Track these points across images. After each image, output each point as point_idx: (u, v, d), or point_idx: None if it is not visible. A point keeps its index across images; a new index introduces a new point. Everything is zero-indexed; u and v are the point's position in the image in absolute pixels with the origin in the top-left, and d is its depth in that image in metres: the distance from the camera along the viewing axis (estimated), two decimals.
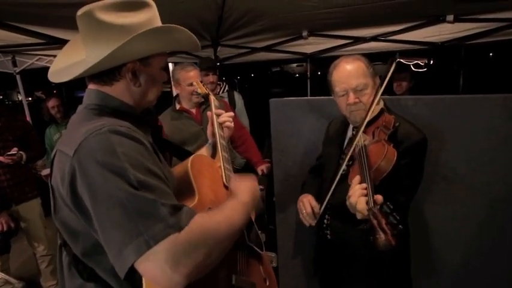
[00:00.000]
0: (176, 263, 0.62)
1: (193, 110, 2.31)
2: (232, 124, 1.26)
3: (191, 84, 2.13)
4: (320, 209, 1.37)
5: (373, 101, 1.23)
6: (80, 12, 0.78)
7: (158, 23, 0.85)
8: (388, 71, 1.18)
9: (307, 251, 2.10)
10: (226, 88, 3.47)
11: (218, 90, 3.08)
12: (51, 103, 3.16)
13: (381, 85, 1.20)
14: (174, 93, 2.46)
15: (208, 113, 1.28)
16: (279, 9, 2.56)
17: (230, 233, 0.76)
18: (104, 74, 0.82)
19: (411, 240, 1.37)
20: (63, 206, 0.75)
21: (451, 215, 1.70)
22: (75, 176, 0.69)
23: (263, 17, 2.72)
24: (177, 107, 2.33)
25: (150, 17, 0.82)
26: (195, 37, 0.87)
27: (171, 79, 2.28)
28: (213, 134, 1.23)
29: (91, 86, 0.86)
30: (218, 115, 1.24)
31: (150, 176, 0.70)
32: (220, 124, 1.23)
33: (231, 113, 1.27)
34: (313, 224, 1.40)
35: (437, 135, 1.62)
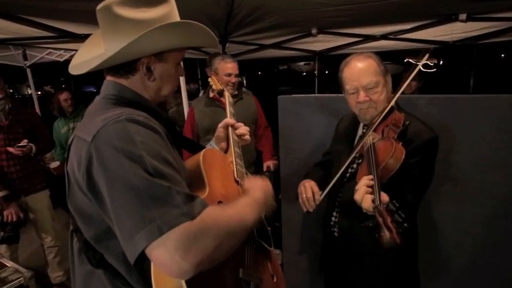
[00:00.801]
0: (186, 251, 0.63)
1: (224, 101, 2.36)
2: (249, 138, 1.26)
3: (229, 75, 2.31)
4: (321, 195, 1.35)
5: (388, 104, 1.23)
6: (99, 6, 0.79)
7: (176, 18, 0.86)
8: (410, 74, 1.17)
9: (312, 248, 2.10)
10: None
11: None
12: (64, 96, 3.24)
13: (399, 87, 1.19)
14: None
15: (226, 120, 1.25)
16: (288, 6, 2.54)
17: (241, 227, 0.76)
18: (120, 67, 0.83)
19: (419, 241, 1.36)
20: (77, 191, 0.76)
21: (459, 216, 1.68)
22: (92, 161, 0.70)
23: (272, 14, 2.71)
24: (211, 95, 2.42)
25: (167, 12, 0.83)
26: (213, 33, 0.87)
27: (211, 69, 2.41)
28: (225, 137, 1.22)
29: (109, 78, 0.88)
30: (236, 128, 1.23)
31: (166, 165, 0.71)
32: (234, 115, 1.24)
33: (248, 128, 1.26)
34: (311, 210, 1.38)
35: (447, 135, 1.60)
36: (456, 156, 1.63)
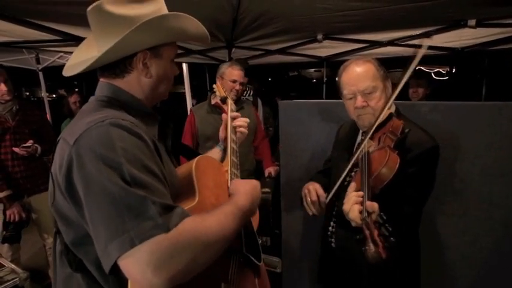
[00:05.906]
0: (158, 266, 0.60)
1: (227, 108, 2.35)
2: (246, 130, 1.26)
3: (234, 81, 2.31)
4: (326, 198, 1.30)
5: (383, 107, 1.18)
6: (89, 8, 0.80)
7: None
8: (404, 74, 1.12)
9: (312, 256, 2.05)
10: (251, 93, 3.48)
11: (244, 94, 3.12)
12: (73, 98, 3.42)
13: (395, 90, 1.14)
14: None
15: (224, 115, 1.26)
16: (293, 12, 2.53)
17: (221, 238, 0.73)
18: (116, 66, 0.83)
19: (421, 253, 1.30)
20: (59, 193, 0.76)
21: (464, 228, 1.62)
22: (72, 165, 0.69)
23: (277, 19, 2.70)
24: (213, 101, 2.41)
25: (158, 8, 0.84)
26: (204, 28, 0.87)
27: (217, 73, 2.41)
28: (225, 138, 1.22)
29: (103, 80, 0.87)
30: (233, 118, 1.23)
31: (146, 173, 0.69)
32: (234, 128, 1.23)
33: (247, 119, 1.27)
34: (316, 214, 1.33)
35: (452, 143, 1.54)
36: (461, 166, 1.58)
